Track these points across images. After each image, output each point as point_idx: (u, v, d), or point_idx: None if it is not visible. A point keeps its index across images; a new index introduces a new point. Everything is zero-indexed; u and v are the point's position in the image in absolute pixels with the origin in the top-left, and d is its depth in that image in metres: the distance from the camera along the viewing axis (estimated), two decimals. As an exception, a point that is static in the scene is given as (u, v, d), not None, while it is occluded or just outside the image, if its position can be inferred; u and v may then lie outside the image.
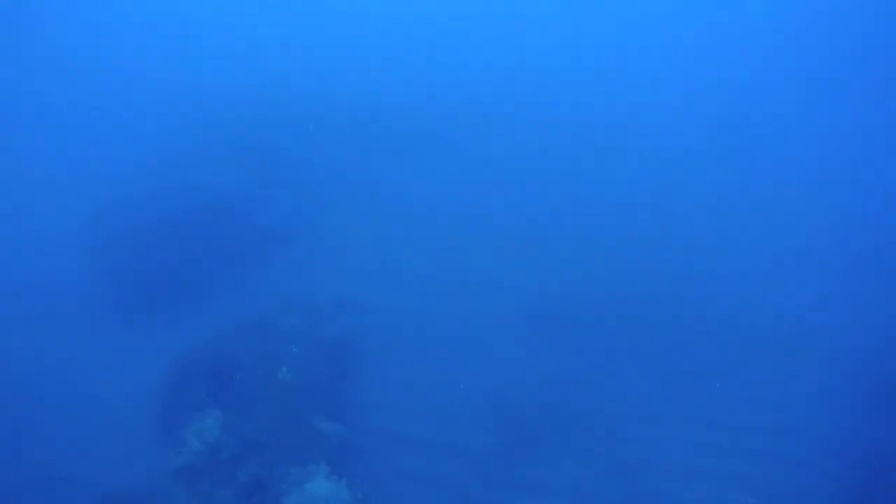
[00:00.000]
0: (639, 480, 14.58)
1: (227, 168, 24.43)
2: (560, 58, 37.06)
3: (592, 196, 25.68)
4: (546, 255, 22.24)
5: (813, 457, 15.09)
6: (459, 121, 29.89)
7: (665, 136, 29.82)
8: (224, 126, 26.57)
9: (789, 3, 42.19)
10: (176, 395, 15.67)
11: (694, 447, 15.33)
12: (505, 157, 27.75)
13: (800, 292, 20.69)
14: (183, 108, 28.92)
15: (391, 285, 20.89)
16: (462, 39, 38.26)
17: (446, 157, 27.65)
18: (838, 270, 21.87)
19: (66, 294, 20.68)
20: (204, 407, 14.53)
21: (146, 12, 40.39)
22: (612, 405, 16.51)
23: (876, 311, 19.68)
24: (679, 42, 39.02)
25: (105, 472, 14.44)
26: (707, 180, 26.87)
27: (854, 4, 39.31)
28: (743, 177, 27.39)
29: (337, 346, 17.80)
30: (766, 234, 23.69)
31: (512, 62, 36.06)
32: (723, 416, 16.17)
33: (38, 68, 33.11)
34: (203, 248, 21.85)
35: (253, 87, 30.49)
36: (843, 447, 15.24)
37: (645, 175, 27.00)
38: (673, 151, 28.69)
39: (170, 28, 38.57)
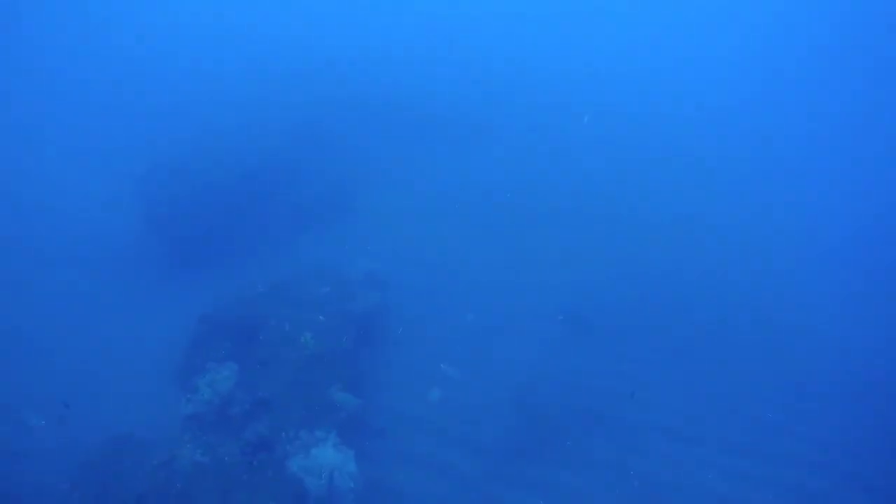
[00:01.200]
0: (652, 498, 13.43)
1: (277, 143, 24.66)
2: (606, 58, 36.36)
3: (635, 199, 24.72)
4: (584, 256, 21.42)
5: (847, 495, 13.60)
6: (504, 113, 29.47)
7: (707, 149, 28.64)
8: (275, 104, 26.85)
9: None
10: (199, 347, 15.57)
11: (718, 471, 14.04)
12: (548, 154, 27.16)
13: (856, 321, 19.17)
14: (237, 85, 29.58)
15: (425, 269, 20.54)
16: (503, 31, 37.98)
17: (489, 149, 27.29)
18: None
19: (115, 247, 21.30)
20: (223, 360, 14.32)
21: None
22: (637, 416, 15.42)
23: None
24: (726, 60, 37.62)
25: (120, 411, 14.54)
26: (753, 194, 25.63)
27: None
28: (793, 194, 25.98)
29: (364, 320, 17.39)
30: (822, 255, 22.27)
31: (561, 58, 35.57)
32: (753, 442, 14.81)
33: (103, 40, 34.63)
34: (247, 216, 22.08)
35: (303, 70, 30.83)
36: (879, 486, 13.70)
37: (689, 185, 25.97)
38: (714, 163, 27.55)
39: (225, 11, 39.72)
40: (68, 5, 37.43)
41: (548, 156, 27.43)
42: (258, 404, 13.79)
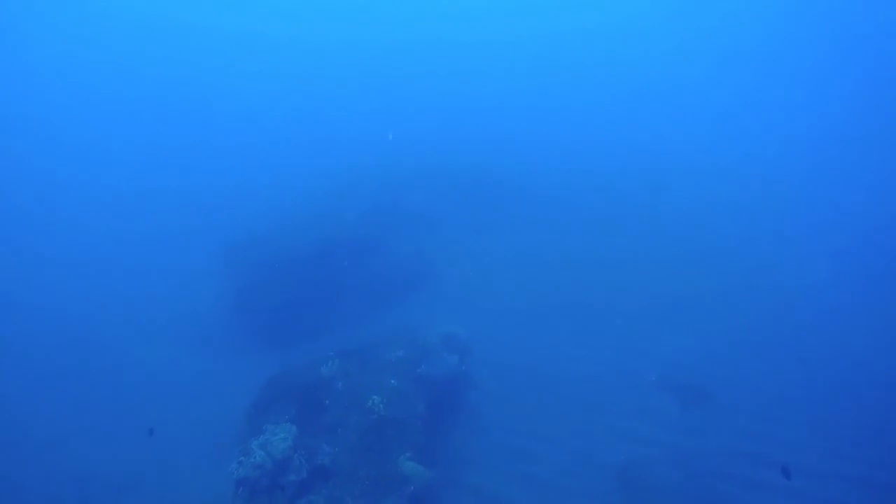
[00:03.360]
0: None
1: (356, 215, 24.73)
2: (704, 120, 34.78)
3: (745, 260, 21.95)
4: (696, 318, 18.78)
5: None
6: (588, 181, 28.30)
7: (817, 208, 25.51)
8: (359, 175, 27.28)
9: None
10: (263, 410, 14.45)
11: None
12: (639, 219, 25.28)
13: None
14: (326, 156, 30.75)
15: (510, 336, 18.77)
16: (585, 98, 37.79)
17: (573, 217, 25.85)
18: None
19: (196, 313, 21.51)
20: (282, 423, 13.06)
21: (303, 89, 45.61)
22: (757, 499, 12.19)
23: None
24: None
25: (181, 476, 13.65)
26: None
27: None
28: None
29: (441, 386, 15.68)
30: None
31: (648, 123, 34.40)
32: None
33: (191, 119, 38.54)
34: (325, 285, 21.68)
35: (382, 144, 31.63)
36: None
37: (798, 243, 22.86)
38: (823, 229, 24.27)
39: (306, 91, 43.08)
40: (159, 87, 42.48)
41: (638, 220, 25.57)
42: (316, 472, 12.25)
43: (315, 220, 24.06)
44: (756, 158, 30.65)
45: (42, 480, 15.20)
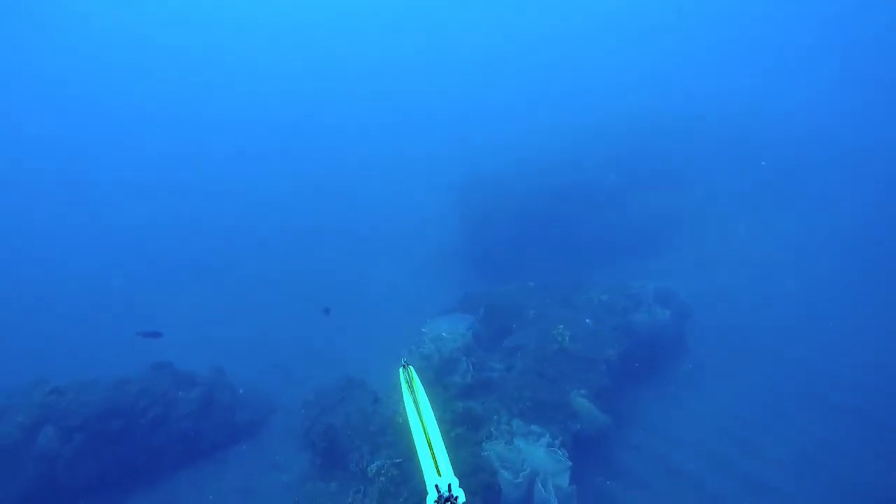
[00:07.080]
0: None
1: (600, 166, 23.09)
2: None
3: None
4: None
5: None
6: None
7: None
8: (609, 130, 25.40)
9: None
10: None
11: None
12: None
13: None
14: (572, 108, 29.72)
15: (753, 313, 15.65)
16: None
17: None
18: None
19: (428, 239, 23.05)
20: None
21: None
22: None
23: None
24: None
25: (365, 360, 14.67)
26: None
27: None
28: None
29: (642, 341, 13.74)
30: None
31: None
32: None
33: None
34: (551, 229, 20.88)
35: (636, 102, 28.98)
36: None
37: None
38: None
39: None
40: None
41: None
42: (482, 383, 11.72)
43: (553, 165, 23.19)
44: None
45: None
